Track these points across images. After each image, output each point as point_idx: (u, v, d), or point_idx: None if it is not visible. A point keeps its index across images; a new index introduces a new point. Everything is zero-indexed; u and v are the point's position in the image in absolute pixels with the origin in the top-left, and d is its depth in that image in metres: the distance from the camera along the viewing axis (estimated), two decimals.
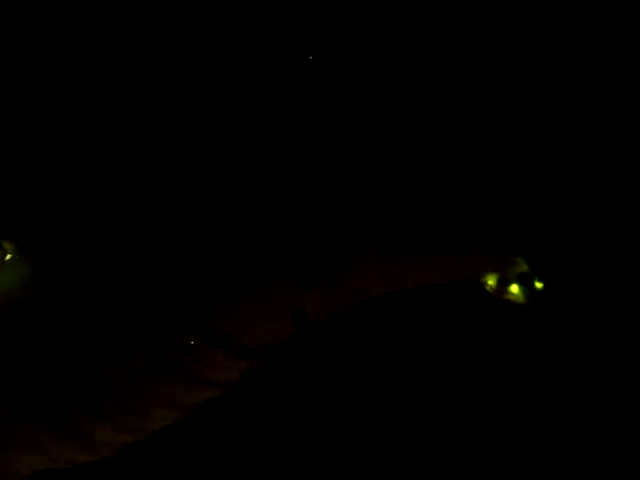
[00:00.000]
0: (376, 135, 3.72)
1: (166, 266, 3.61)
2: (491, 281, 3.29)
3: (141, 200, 3.71)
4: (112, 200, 3.73)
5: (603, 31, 3.63)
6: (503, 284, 3.32)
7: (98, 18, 3.81)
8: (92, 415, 3.45)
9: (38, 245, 3.64)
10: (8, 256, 3.58)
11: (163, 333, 3.55)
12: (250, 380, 3.54)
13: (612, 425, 3.39)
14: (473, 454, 3.39)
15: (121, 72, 3.81)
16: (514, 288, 3.32)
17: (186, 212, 3.68)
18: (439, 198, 3.50)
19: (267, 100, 3.79)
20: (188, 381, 3.51)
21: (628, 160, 3.59)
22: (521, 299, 3.30)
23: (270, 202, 3.67)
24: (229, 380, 3.51)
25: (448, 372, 3.39)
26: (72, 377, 3.48)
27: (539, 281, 3.26)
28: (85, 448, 3.42)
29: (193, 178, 3.75)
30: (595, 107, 3.71)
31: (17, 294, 3.54)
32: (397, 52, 3.78)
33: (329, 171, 3.69)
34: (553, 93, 3.73)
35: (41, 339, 3.49)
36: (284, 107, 3.78)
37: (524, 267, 3.30)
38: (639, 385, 3.38)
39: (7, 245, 3.61)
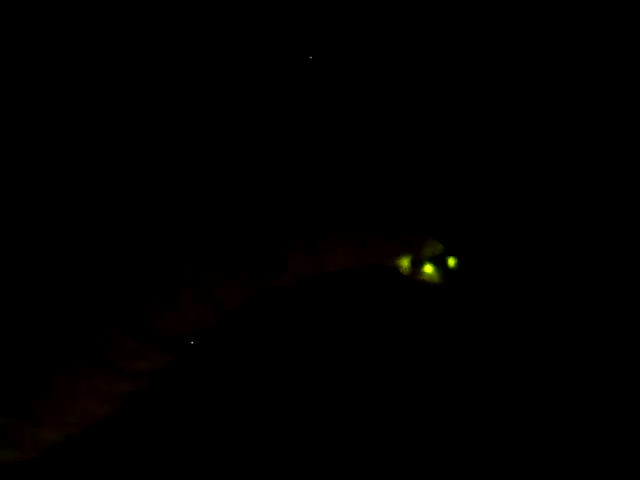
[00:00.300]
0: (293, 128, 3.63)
1: (86, 256, 3.51)
2: (405, 263, 3.18)
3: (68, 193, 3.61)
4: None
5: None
6: (417, 265, 3.21)
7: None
8: (18, 413, 3.43)
9: None
10: None
11: (83, 324, 3.49)
12: (176, 370, 3.57)
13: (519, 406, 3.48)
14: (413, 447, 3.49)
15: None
16: (428, 268, 3.21)
17: (103, 203, 3.59)
18: (350, 182, 3.36)
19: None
20: (111, 372, 3.48)
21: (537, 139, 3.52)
22: (435, 279, 3.20)
23: (184, 192, 3.54)
24: (153, 370, 3.48)
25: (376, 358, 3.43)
26: None
27: (452, 258, 3.16)
28: (12, 447, 3.45)
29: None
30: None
31: None
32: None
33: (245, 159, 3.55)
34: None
35: None
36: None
37: (438, 247, 3.18)
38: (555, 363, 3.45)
39: None
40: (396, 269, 3.16)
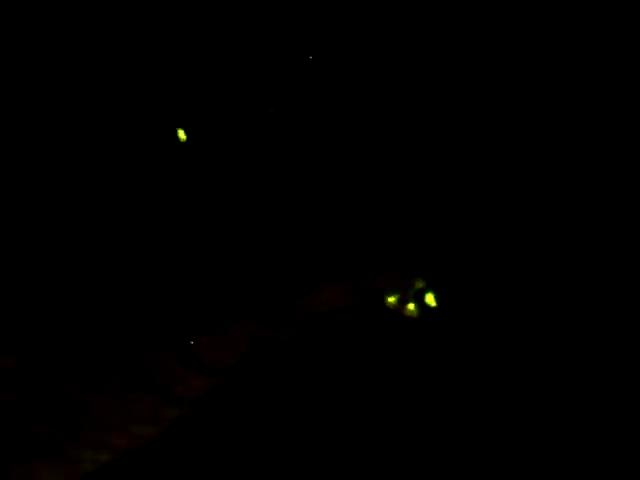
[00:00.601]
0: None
1: (141, 288, 3.87)
2: (392, 299, 4.13)
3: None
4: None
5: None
6: (402, 302, 4.11)
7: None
8: (73, 436, 3.51)
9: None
10: None
11: (140, 352, 3.77)
12: (215, 396, 3.70)
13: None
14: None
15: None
16: (410, 305, 4.16)
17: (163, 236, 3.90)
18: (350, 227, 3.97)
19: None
20: (161, 397, 3.69)
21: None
22: (415, 314, 3.92)
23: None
24: (196, 395, 3.68)
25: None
26: (50, 399, 3.60)
27: (431, 296, 4.00)
28: (69, 470, 3.43)
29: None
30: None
31: None
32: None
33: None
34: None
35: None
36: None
37: (420, 285, 4.11)
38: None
39: None
40: (385, 305, 4.16)
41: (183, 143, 4.03)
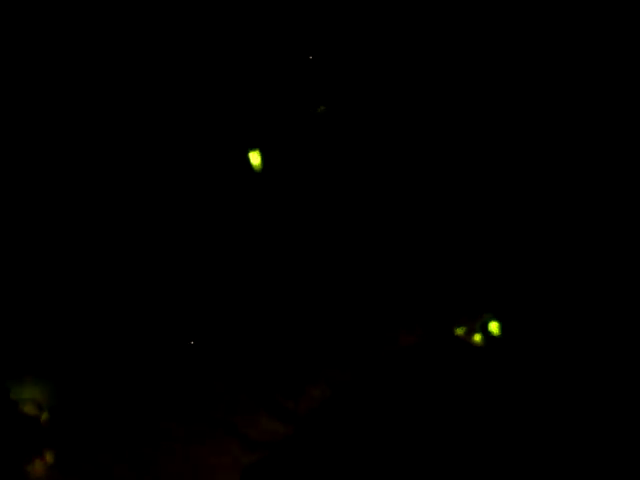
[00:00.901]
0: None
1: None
2: (460, 331, 4.22)
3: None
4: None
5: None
6: (470, 333, 4.21)
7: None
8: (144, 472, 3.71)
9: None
10: None
11: (232, 405, 3.99)
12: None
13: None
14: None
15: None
16: (477, 336, 4.21)
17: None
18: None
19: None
20: (241, 444, 3.89)
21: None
22: (480, 343, 4.16)
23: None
24: (272, 441, 3.92)
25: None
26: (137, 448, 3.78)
27: (495, 326, 4.13)
28: None
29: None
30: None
31: None
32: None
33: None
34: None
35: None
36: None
37: (487, 319, 4.20)
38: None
39: None
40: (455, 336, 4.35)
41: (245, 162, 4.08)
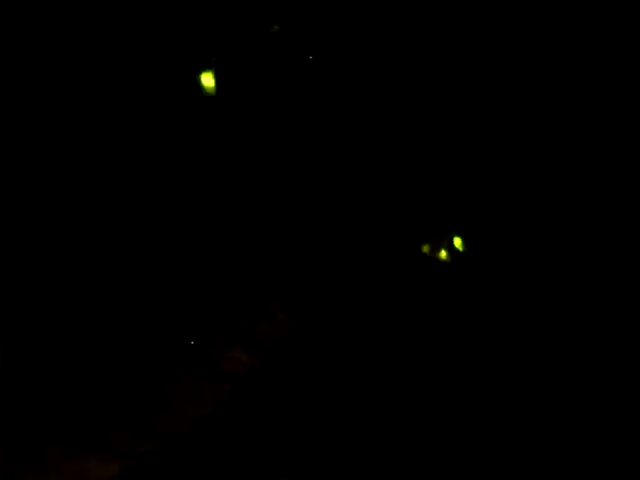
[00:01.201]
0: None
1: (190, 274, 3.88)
2: (426, 248, 4.25)
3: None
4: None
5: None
6: (435, 250, 4.25)
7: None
8: (114, 423, 3.46)
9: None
10: None
11: (201, 340, 3.75)
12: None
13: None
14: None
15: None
16: (442, 253, 4.25)
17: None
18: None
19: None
20: (215, 378, 3.67)
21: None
22: (446, 258, 4.21)
23: None
24: (239, 375, 3.71)
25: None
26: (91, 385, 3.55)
27: (459, 239, 4.17)
28: (112, 458, 3.40)
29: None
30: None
31: None
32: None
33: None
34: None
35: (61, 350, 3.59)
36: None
37: (452, 235, 4.23)
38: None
39: None
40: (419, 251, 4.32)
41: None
